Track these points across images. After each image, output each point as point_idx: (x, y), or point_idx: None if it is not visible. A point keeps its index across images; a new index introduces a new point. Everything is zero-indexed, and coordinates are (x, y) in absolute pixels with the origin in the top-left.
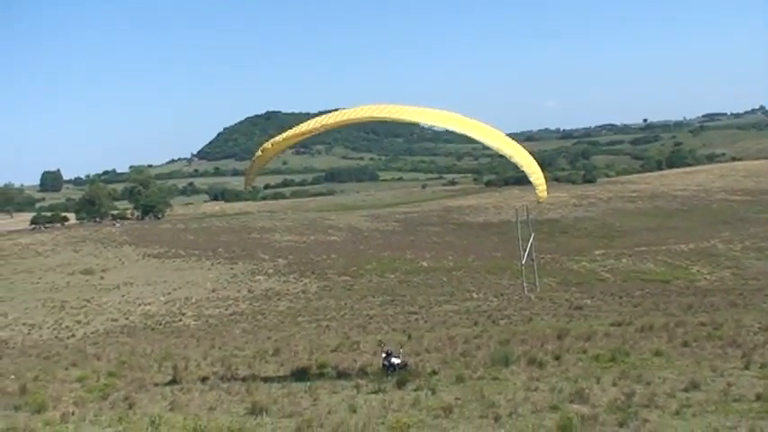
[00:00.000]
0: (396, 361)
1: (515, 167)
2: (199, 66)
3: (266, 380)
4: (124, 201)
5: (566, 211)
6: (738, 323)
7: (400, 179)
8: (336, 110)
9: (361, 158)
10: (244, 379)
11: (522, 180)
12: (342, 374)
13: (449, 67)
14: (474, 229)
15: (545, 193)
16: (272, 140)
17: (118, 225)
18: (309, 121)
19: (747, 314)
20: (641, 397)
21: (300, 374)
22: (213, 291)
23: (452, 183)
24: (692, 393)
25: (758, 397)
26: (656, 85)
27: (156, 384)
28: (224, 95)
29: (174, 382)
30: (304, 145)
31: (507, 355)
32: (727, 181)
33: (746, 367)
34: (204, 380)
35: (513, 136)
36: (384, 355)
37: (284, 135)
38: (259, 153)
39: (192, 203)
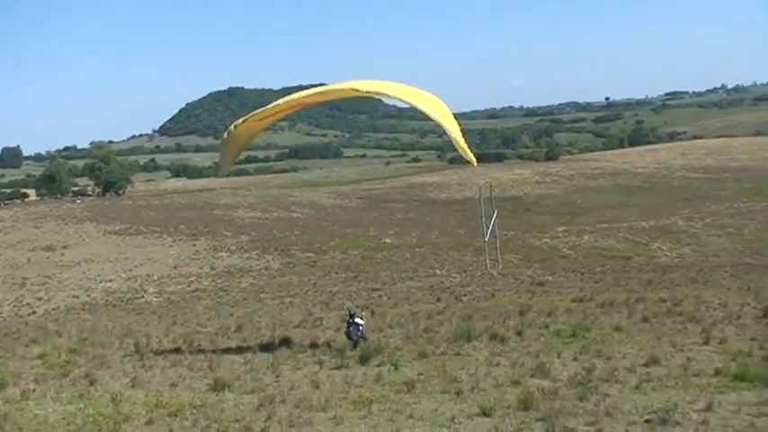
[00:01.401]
0: (360, 321)
1: (479, 146)
2: (161, 40)
3: (228, 354)
4: (85, 177)
5: (528, 189)
6: (698, 299)
7: (364, 156)
8: (298, 90)
9: (325, 135)
10: (206, 355)
11: (485, 158)
12: (304, 349)
13: (414, 44)
14: (437, 206)
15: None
16: (234, 123)
17: (79, 201)
18: (267, 106)
19: (707, 290)
20: (601, 371)
21: (263, 350)
22: (175, 267)
23: (416, 160)
24: (652, 368)
25: (717, 372)
26: (618, 63)
27: (119, 361)
28: (186, 71)
29: (135, 358)
30: None
31: (469, 331)
32: (688, 159)
33: (706, 343)
34: (166, 356)
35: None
36: (348, 315)
37: (245, 117)
38: (225, 136)
39: (153, 180)
